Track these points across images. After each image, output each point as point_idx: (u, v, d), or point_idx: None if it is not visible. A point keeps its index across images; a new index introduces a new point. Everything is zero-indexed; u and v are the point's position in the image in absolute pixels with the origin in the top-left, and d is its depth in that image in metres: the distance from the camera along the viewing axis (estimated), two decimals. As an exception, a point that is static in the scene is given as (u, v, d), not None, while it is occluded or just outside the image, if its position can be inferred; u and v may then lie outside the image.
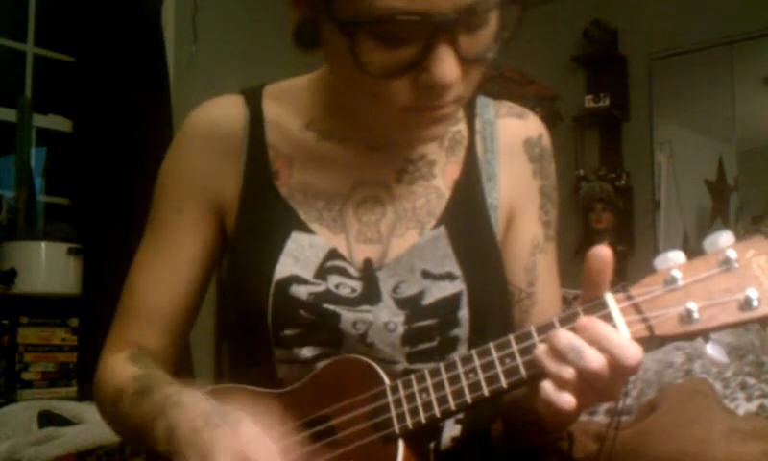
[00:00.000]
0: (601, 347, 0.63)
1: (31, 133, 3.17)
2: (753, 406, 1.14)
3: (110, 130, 3.20)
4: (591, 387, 0.64)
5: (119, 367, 0.87)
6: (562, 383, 0.64)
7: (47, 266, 2.97)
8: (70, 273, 3.02)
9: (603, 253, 0.66)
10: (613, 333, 0.64)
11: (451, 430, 0.82)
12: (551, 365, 0.65)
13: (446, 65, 0.69)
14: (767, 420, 1.09)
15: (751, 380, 1.18)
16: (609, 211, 3.70)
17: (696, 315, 0.62)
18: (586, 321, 0.65)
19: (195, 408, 0.73)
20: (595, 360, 0.63)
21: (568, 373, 0.64)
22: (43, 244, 2.98)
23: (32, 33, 3.37)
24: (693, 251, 0.66)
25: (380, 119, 0.77)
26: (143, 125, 3.21)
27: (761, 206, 3.59)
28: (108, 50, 3.22)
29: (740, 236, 0.64)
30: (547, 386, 0.65)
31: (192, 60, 3.51)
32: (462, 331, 0.81)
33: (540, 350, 0.66)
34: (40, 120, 3.30)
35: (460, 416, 0.83)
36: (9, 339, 2.89)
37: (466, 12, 0.68)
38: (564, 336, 0.65)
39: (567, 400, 0.64)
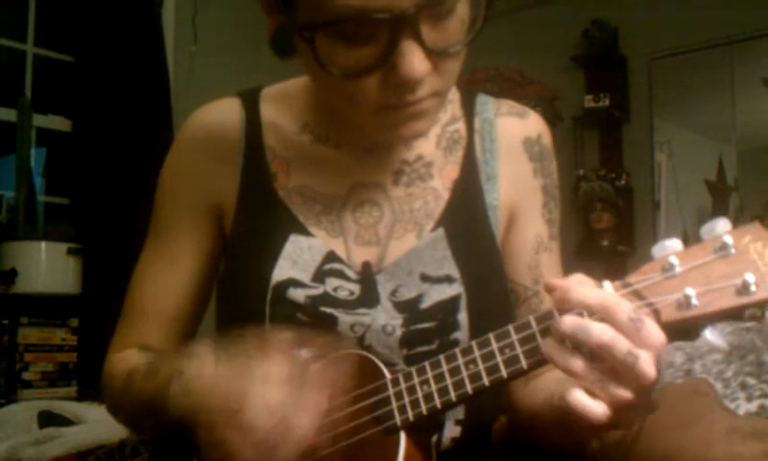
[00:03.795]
0: (603, 315, 0.61)
1: (31, 133, 3.18)
2: (753, 406, 1.14)
3: (110, 130, 3.20)
4: (611, 370, 0.61)
5: (127, 358, 0.88)
6: (579, 373, 0.61)
7: (47, 266, 2.97)
8: (70, 273, 3.02)
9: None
10: (605, 293, 0.63)
11: (451, 431, 0.82)
12: (560, 357, 0.62)
13: (412, 60, 0.67)
14: (767, 420, 1.09)
15: (751, 380, 1.18)
16: (609, 211, 3.69)
17: (694, 301, 0.62)
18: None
19: (217, 361, 0.71)
20: (604, 331, 0.60)
21: (579, 364, 0.61)
22: (43, 244, 2.98)
23: (32, 33, 3.37)
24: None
25: (360, 120, 0.76)
26: (143, 125, 3.21)
27: (761, 206, 3.58)
28: (108, 50, 3.23)
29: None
30: (576, 395, 0.62)
31: (192, 60, 3.51)
32: (462, 335, 0.80)
33: (548, 344, 0.63)
34: (40, 120, 3.30)
35: (460, 417, 0.82)
36: (9, 339, 2.90)
37: (426, 4, 0.66)
38: (567, 320, 0.62)
39: (598, 408, 0.60)
